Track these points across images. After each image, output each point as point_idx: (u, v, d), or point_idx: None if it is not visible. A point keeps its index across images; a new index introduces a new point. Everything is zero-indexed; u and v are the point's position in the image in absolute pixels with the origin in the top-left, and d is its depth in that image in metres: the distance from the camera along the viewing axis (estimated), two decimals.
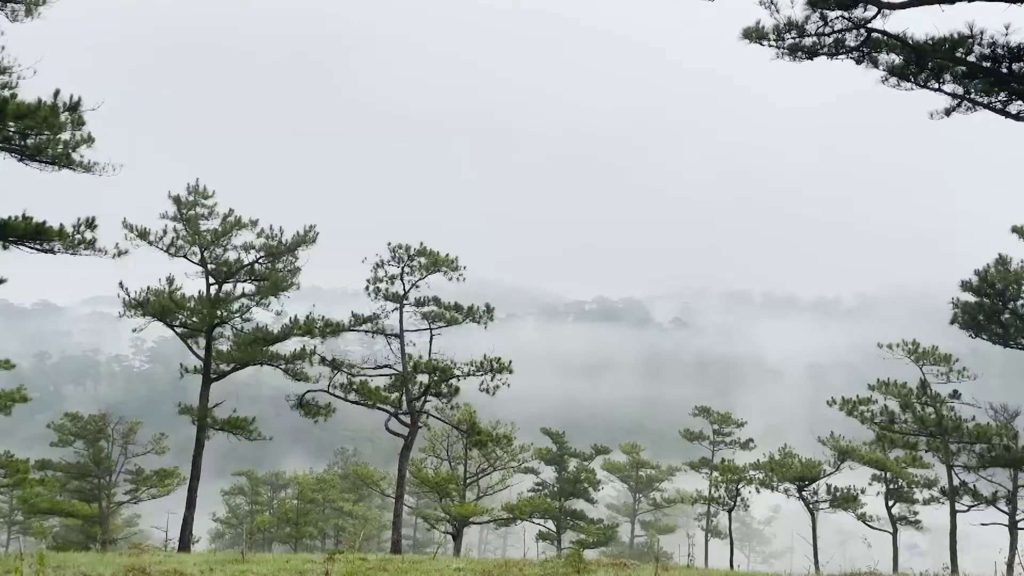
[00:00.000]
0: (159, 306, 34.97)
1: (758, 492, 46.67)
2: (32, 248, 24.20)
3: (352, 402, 38.09)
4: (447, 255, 38.10)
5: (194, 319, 36.22)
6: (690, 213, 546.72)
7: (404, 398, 37.99)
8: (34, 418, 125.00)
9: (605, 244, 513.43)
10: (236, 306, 37.06)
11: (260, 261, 37.10)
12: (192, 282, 36.72)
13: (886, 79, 17.31)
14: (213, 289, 36.97)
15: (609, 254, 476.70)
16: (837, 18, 16.69)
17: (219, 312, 36.41)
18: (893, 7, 16.32)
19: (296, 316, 36.98)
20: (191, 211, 36.52)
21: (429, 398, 38.45)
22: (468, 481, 49.12)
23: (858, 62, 17.25)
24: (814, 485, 44.87)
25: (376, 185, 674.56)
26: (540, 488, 58.10)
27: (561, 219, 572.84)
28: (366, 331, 39.10)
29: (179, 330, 36.80)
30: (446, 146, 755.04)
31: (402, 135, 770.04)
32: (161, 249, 35.78)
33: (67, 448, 52.14)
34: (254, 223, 37.04)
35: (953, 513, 39.42)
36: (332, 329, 37.45)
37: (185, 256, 36.46)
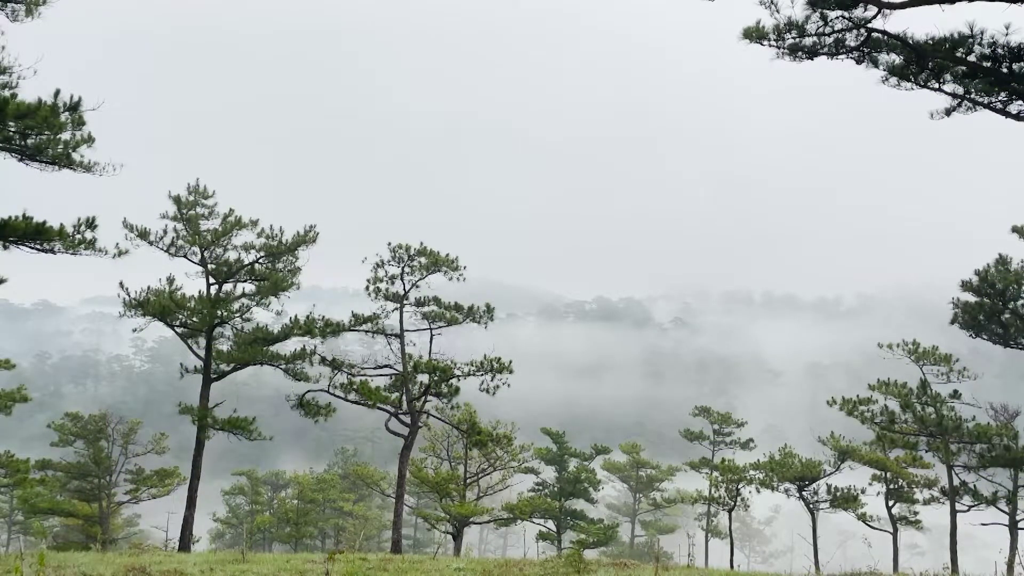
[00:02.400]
0: (159, 306, 34.97)
1: (758, 492, 46.65)
2: (32, 248, 24.20)
3: (352, 402, 38.07)
4: (447, 255, 38.12)
5: (194, 319, 36.23)
6: (690, 213, 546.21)
7: (404, 398, 37.99)
8: (34, 418, 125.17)
9: (605, 244, 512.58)
10: (236, 306, 37.08)
11: (260, 261, 37.13)
12: (192, 282, 36.81)
13: (886, 79, 17.32)
14: (213, 289, 37.00)
15: (609, 254, 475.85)
16: (837, 18, 16.70)
17: (219, 312, 36.42)
18: (893, 7, 16.32)
19: (296, 316, 37.00)
20: (191, 211, 36.55)
21: (429, 398, 38.44)
22: (468, 481, 49.12)
23: (858, 62, 17.26)
24: (814, 485, 44.87)
25: (376, 185, 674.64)
26: (540, 488, 58.07)
27: (561, 219, 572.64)
28: (366, 331, 39.09)
29: (179, 330, 36.81)
30: (446, 146, 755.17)
31: (402, 135, 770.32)
32: (161, 249, 35.82)
33: (67, 448, 52.17)
34: (254, 223, 37.07)
35: (953, 513, 39.40)
36: (332, 329, 37.45)
37: (185, 256, 36.49)
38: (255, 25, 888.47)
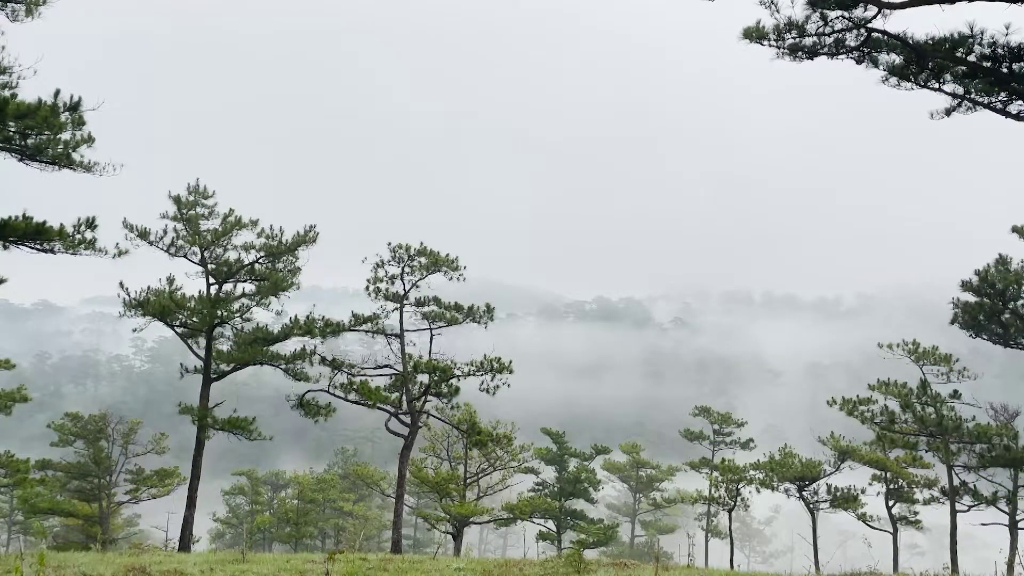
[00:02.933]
0: (159, 306, 34.97)
1: (758, 492, 46.63)
2: (32, 248, 24.20)
3: (352, 402, 38.07)
4: (447, 255, 38.11)
5: (194, 319, 36.23)
6: (690, 213, 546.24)
7: (404, 398, 37.99)
8: (34, 418, 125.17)
9: (605, 244, 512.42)
10: (236, 306, 37.08)
11: (260, 261, 37.13)
12: (192, 282, 36.81)
13: (886, 79, 17.32)
14: (213, 289, 36.99)
15: (609, 254, 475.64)
16: (837, 18, 16.69)
17: (219, 312, 36.41)
18: (893, 7, 16.32)
19: (296, 316, 36.99)
20: (191, 211, 36.55)
21: (429, 398, 38.44)
22: (468, 481, 49.11)
23: (858, 62, 17.26)
24: (814, 485, 44.87)
25: (376, 185, 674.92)
26: (540, 488, 58.09)
27: (561, 219, 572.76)
28: (366, 331, 39.08)
29: (179, 330, 36.81)
30: (446, 146, 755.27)
31: (402, 135, 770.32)
32: (161, 249, 35.83)
33: (67, 448, 52.17)
34: (254, 223, 37.07)
35: (953, 513, 39.40)
36: (332, 329, 37.44)
37: (185, 256, 36.50)
38: (255, 25, 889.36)
